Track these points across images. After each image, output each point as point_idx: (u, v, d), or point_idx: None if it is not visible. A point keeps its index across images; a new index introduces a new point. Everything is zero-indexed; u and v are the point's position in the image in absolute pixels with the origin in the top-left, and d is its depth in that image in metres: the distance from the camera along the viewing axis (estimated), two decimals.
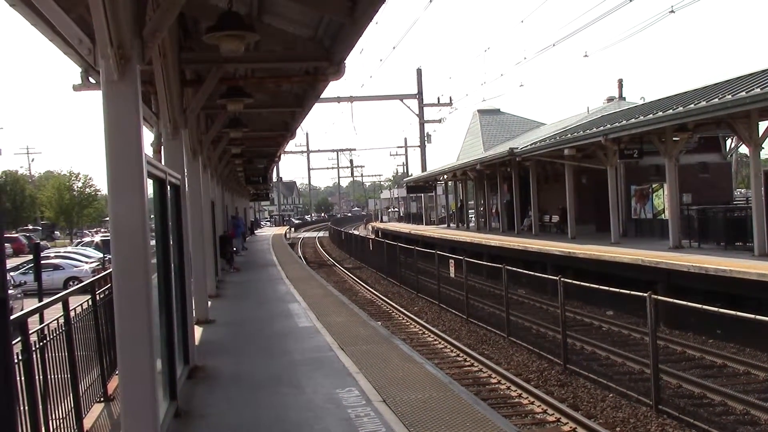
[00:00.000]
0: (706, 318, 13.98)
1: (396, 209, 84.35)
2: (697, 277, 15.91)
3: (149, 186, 6.06)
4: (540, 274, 17.91)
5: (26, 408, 5.28)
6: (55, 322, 6.71)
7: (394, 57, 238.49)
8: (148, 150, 6.92)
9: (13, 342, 5.15)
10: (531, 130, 46.18)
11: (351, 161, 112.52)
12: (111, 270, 6.01)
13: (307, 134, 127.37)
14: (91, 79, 11.74)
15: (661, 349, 12.95)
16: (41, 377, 5.86)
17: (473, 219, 46.76)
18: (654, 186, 25.65)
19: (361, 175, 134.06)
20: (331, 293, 18.50)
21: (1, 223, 2.88)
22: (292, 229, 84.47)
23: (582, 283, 14.62)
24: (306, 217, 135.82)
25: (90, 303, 7.97)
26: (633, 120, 21.10)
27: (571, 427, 10.07)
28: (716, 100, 17.10)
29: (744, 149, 25.61)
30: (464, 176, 43.63)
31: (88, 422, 7.07)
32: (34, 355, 5.68)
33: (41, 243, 46.58)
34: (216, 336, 12.59)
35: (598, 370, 12.92)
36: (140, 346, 5.61)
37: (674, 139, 21.02)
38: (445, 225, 50.50)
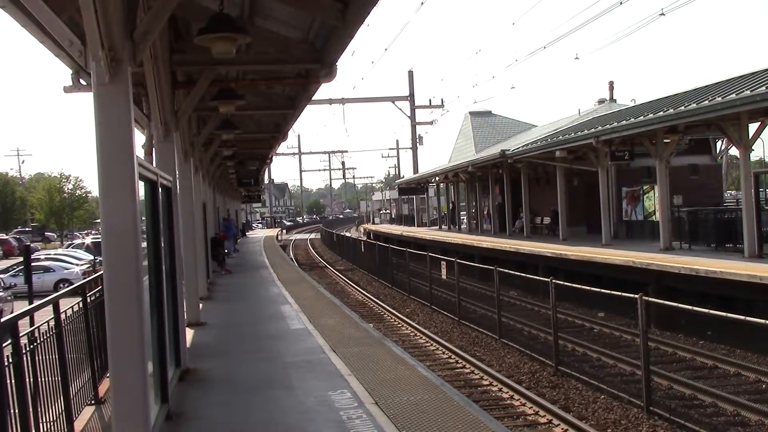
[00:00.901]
0: (696, 319, 14.04)
1: (388, 211, 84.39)
2: (687, 279, 15.98)
3: (141, 188, 6.05)
4: (531, 276, 17.94)
5: (16, 411, 5.25)
6: (46, 324, 6.68)
7: (385, 59, 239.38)
8: (139, 152, 6.90)
9: (3, 345, 5.14)
10: (522, 132, 46.26)
11: (343, 163, 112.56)
12: (102, 272, 5.98)
13: (298, 136, 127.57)
14: (82, 81, 11.70)
15: (652, 351, 12.99)
16: (32, 380, 5.84)
17: (465, 221, 46.81)
18: (645, 188, 25.75)
19: (353, 177, 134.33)
20: (323, 295, 18.49)
21: None
22: (284, 231, 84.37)
23: (573, 285, 14.65)
24: (298, 219, 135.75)
25: (81, 305, 7.94)
26: (624, 122, 21.19)
27: (562, 429, 10.09)
28: (706, 102, 17.18)
29: (734, 151, 25.73)
30: (456, 178, 43.69)
31: (78, 425, 7.04)
32: (25, 358, 5.65)
33: (33, 245, 46.44)
34: (207, 338, 12.56)
35: (590, 371, 12.95)
36: (131, 348, 5.59)
37: (665, 141, 21.11)
38: (437, 227, 50.52)
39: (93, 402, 7.94)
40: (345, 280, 31.54)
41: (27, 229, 77.67)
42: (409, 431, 6.96)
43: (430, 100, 59.21)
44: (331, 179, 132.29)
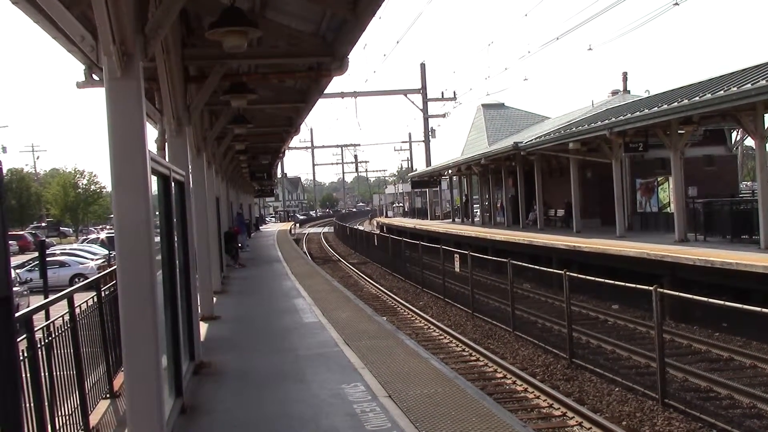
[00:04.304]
0: (712, 311, 13.95)
1: (401, 204, 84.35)
2: (703, 271, 15.87)
3: (153, 183, 6.06)
4: (545, 268, 17.88)
5: (32, 405, 5.29)
6: (61, 319, 6.72)
7: (397, 52, 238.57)
8: (152, 146, 6.91)
9: (19, 339, 5.16)
10: (535, 124, 46.06)
11: (355, 157, 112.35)
12: (116, 267, 6.01)
13: (311, 130, 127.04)
14: (95, 77, 11.72)
15: (667, 343, 12.91)
16: (47, 374, 5.87)
17: (478, 213, 46.72)
18: (659, 179, 25.58)
19: (366, 171, 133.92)
20: (336, 288, 18.51)
21: (5, 220, 2.88)
22: (297, 224, 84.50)
23: (587, 277, 14.59)
24: (311, 212, 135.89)
25: (95, 300, 7.99)
26: (638, 113, 21.04)
27: (577, 421, 10.06)
28: (721, 92, 17.03)
29: (750, 141, 25.50)
30: (469, 171, 43.59)
31: (94, 419, 7.09)
32: (40, 352, 5.69)
33: (48, 240, 46.80)
34: (221, 332, 12.61)
35: (604, 364, 12.90)
36: (145, 342, 5.62)
37: (679, 132, 20.94)
38: (450, 220, 50.47)
39: (108, 396, 8.00)
40: (358, 274, 31.57)
41: (42, 224, 78.38)
42: (422, 424, 6.95)
43: (442, 93, 59.40)
44: (343, 173, 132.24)
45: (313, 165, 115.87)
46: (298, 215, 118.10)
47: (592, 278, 14.35)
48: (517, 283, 18.35)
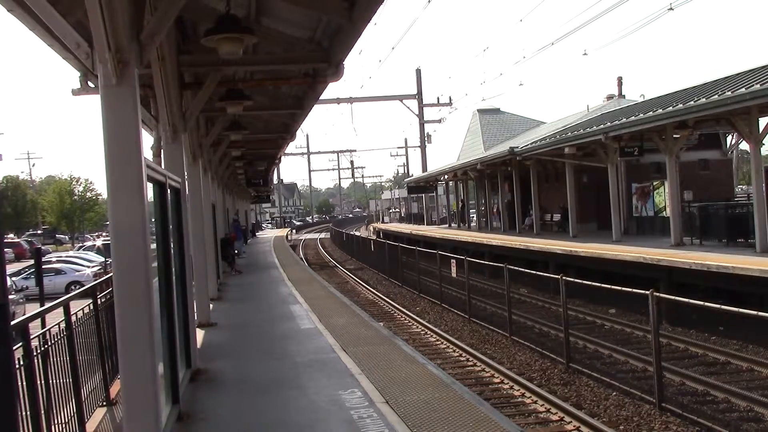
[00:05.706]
0: (708, 315, 13.97)
1: (397, 210, 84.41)
2: (699, 274, 15.89)
3: (149, 190, 6.06)
4: (542, 273, 17.89)
5: (28, 413, 5.27)
6: (57, 326, 6.70)
7: (393, 57, 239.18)
8: (147, 154, 6.92)
9: (15, 347, 5.15)
10: (531, 129, 46.14)
11: (351, 162, 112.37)
12: (112, 274, 6.00)
13: (307, 136, 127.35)
14: (90, 84, 11.71)
15: (664, 347, 12.92)
16: (43, 382, 5.86)
17: (474, 219, 46.76)
18: (655, 183, 25.64)
19: (362, 176, 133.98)
20: (333, 295, 18.49)
21: (1, 228, 2.87)
22: (294, 231, 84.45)
23: (584, 282, 14.60)
24: (307, 218, 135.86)
25: (91, 307, 7.97)
26: (633, 118, 21.10)
27: (574, 426, 10.06)
28: (716, 96, 17.09)
29: (744, 146, 25.58)
30: (465, 176, 43.62)
31: (90, 427, 7.07)
32: (36, 360, 5.68)
33: (44, 247, 46.71)
34: (218, 339, 12.58)
35: (601, 368, 12.91)
36: (142, 349, 5.61)
37: (674, 136, 21.01)
38: (447, 225, 50.47)
39: (104, 403, 7.97)
40: (355, 280, 31.55)
41: (38, 231, 78.23)
42: (420, 430, 6.94)
43: (438, 98, 59.25)
44: (340, 179, 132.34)
45: (310, 171, 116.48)
46: (294, 221, 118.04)
47: (589, 283, 14.36)
48: (514, 288, 18.36)
